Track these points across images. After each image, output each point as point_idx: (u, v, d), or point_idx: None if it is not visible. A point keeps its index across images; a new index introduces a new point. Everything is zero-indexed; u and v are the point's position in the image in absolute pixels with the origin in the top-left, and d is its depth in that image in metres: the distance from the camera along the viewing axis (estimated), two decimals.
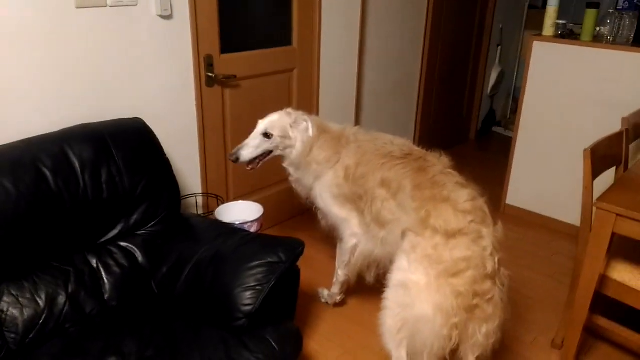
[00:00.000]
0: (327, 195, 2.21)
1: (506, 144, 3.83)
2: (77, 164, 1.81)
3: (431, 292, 1.66)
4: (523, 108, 3.36)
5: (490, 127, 5.40)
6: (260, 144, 2.15)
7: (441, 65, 4.43)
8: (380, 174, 1.99)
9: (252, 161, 2.18)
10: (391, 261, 1.91)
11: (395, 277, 1.78)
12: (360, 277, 2.34)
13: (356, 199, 2.11)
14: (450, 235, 1.69)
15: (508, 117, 5.39)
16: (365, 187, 2.04)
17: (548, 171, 3.36)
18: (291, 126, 2.15)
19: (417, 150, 2.09)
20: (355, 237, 2.21)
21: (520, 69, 5.20)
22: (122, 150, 1.93)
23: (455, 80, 4.73)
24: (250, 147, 2.15)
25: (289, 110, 2.22)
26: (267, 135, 2.14)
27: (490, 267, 1.67)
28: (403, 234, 1.85)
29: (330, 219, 2.29)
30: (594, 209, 1.81)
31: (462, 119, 5.06)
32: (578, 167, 3.13)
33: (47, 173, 1.73)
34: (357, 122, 3.66)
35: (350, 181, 2.10)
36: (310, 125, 2.16)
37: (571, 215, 3.29)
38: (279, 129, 2.15)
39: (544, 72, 3.22)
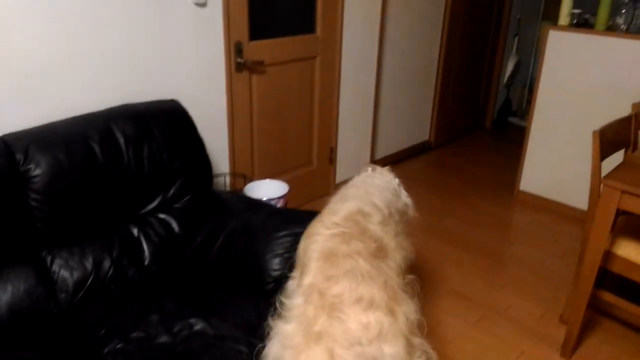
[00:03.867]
0: None
1: (521, 134, 3.93)
2: (121, 140, 1.97)
3: None
4: (538, 96, 3.46)
5: (506, 117, 5.48)
6: None
7: (459, 54, 4.53)
8: None
9: None
10: None
11: None
12: None
13: None
14: None
15: (524, 107, 5.47)
16: None
17: (561, 158, 3.46)
18: None
19: None
20: None
21: (537, 59, 5.27)
22: (162, 128, 2.09)
23: (472, 70, 4.82)
24: None
25: None
26: None
27: None
28: None
29: None
30: (601, 186, 1.93)
31: (479, 107, 5.15)
32: (589, 153, 3.24)
33: (96, 147, 1.90)
34: (376, 109, 3.79)
35: None
36: None
37: (580, 200, 3.39)
38: None
39: (558, 61, 3.31)
